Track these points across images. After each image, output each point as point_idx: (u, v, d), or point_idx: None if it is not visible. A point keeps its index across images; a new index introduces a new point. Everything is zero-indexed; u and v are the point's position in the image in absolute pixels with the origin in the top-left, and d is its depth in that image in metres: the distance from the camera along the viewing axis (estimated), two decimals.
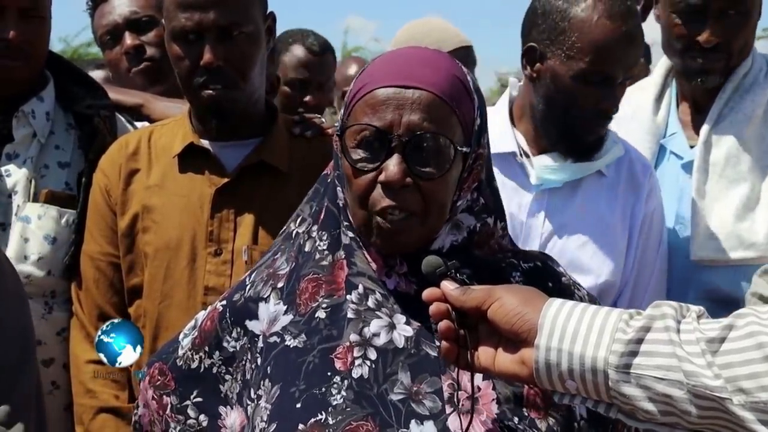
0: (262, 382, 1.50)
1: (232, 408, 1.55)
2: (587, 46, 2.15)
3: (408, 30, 3.44)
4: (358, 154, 1.44)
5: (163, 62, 2.75)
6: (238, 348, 1.56)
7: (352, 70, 4.09)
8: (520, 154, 2.29)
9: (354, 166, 1.44)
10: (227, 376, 1.56)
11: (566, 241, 2.26)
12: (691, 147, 2.47)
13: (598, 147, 2.27)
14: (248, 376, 1.53)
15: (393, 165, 1.41)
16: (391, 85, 1.43)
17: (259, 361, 1.52)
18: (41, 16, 2.31)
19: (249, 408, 1.51)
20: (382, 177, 1.41)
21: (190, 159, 2.20)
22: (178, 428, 1.59)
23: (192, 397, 1.59)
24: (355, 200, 1.46)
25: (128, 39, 2.88)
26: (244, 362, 1.55)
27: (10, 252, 2.21)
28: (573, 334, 1.24)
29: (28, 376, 1.72)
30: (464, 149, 1.45)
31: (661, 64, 2.58)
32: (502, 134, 2.29)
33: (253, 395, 1.51)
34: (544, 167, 2.27)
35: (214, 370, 1.58)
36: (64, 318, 2.28)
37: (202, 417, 1.58)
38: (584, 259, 2.24)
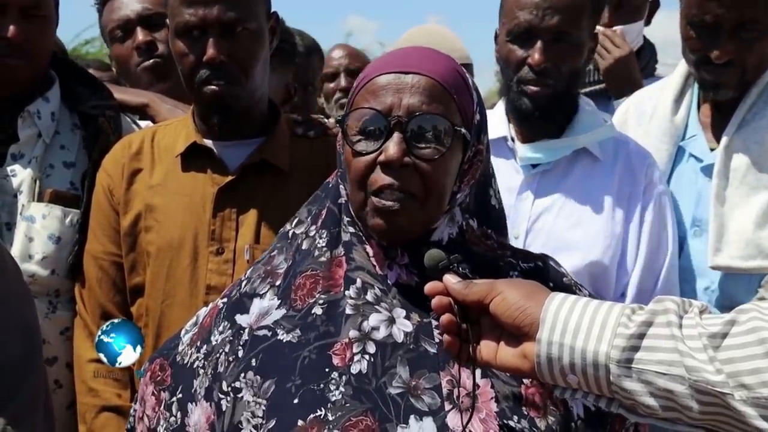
0: (242, 374, 1.48)
1: (196, 404, 1.53)
2: (512, 3, 2.25)
3: (410, 36, 3.44)
4: (358, 138, 1.46)
5: (171, 60, 2.77)
6: (218, 341, 1.56)
7: (333, 53, 4.13)
8: (511, 139, 2.33)
9: (354, 148, 1.45)
10: (201, 371, 1.55)
11: (555, 221, 2.26)
12: (712, 150, 2.44)
13: (549, 115, 2.28)
14: (220, 369, 1.52)
15: (393, 144, 1.42)
16: (391, 71, 1.46)
17: (240, 353, 1.51)
18: (44, 15, 2.33)
19: (224, 402, 1.48)
20: (381, 157, 1.43)
21: (193, 158, 2.21)
22: (164, 425, 1.58)
23: (178, 393, 1.58)
24: (353, 183, 1.46)
25: (140, 34, 2.89)
26: (218, 355, 1.54)
27: (15, 251, 2.22)
28: (575, 328, 1.24)
29: (33, 376, 1.71)
30: (463, 131, 1.46)
31: (681, 64, 2.55)
32: (498, 123, 2.34)
33: (225, 388, 1.49)
34: (526, 147, 2.29)
35: (195, 364, 1.57)
36: (67, 317, 2.29)
37: (178, 414, 1.57)
38: (572, 238, 2.23)
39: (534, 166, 2.34)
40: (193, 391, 1.55)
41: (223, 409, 1.48)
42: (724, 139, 2.39)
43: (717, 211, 2.35)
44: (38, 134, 2.35)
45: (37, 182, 2.30)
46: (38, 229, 2.27)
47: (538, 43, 2.22)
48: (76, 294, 2.28)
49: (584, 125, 2.33)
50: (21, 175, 2.30)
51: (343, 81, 3.99)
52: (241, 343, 1.52)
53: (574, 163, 2.33)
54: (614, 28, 3.21)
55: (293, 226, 1.62)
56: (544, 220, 2.26)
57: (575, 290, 1.58)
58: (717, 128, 2.45)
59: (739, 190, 2.35)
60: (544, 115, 2.27)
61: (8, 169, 2.30)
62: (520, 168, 2.32)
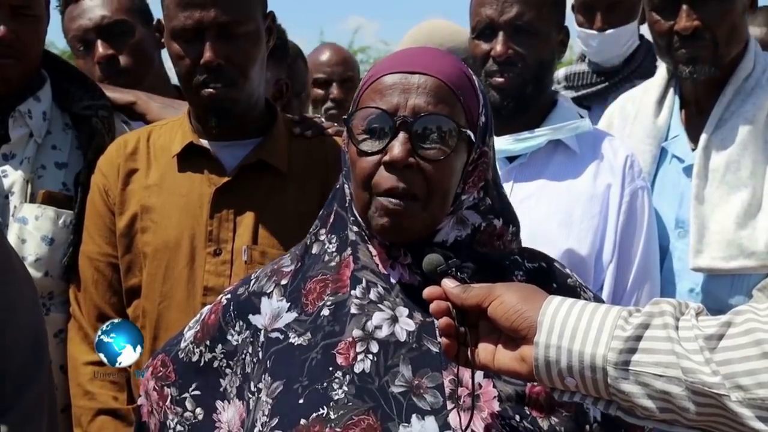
0: (263, 376, 1.50)
1: (230, 402, 1.55)
2: (475, 1, 2.33)
3: (414, 33, 3.41)
4: (364, 137, 1.46)
5: (137, 70, 2.76)
6: (240, 341, 1.57)
7: (324, 56, 4.03)
8: None
9: (359, 147, 1.46)
10: (228, 370, 1.57)
11: (532, 212, 2.27)
12: (694, 150, 2.43)
13: (520, 107, 2.31)
14: (248, 370, 1.54)
15: (398, 145, 1.42)
16: (398, 71, 1.47)
17: (260, 355, 1.53)
18: (35, 14, 2.31)
19: (251, 401, 1.51)
20: (386, 157, 1.43)
21: (190, 159, 2.20)
22: (176, 420, 1.59)
23: (191, 389, 1.59)
24: (358, 183, 1.47)
25: (100, 48, 2.82)
26: (244, 356, 1.55)
27: None
28: (572, 331, 1.25)
29: (38, 384, 1.72)
30: (468, 132, 1.47)
31: (662, 66, 2.56)
32: None
33: (253, 388, 1.52)
34: (499, 140, 2.30)
35: (215, 364, 1.58)
36: (61, 319, 2.28)
37: (198, 410, 1.58)
38: (549, 228, 2.25)
39: (512, 160, 2.35)
40: (222, 389, 1.57)
41: (251, 407, 1.51)
42: (702, 139, 2.38)
43: (697, 212, 2.35)
44: (30, 134, 2.34)
45: (29, 183, 2.29)
46: (31, 231, 2.26)
47: (500, 35, 2.27)
48: (70, 296, 2.27)
49: (559, 119, 2.35)
50: (12, 176, 2.29)
51: (335, 91, 3.91)
52: (260, 344, 1.54)
53: (552, 156, 2.35)
54: (607, 32, 3.20)
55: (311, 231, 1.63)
56: (521, 210, 2.27)
57: (579, 291, 1.58)
58: (697, 128, 2.44)
59: (719, 189, 2.34)
60: (515, 107, 2.30)
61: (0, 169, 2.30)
62: (496, 162, 2.33)
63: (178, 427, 1.59)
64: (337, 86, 3.92)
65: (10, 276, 1.72)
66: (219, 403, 1.57)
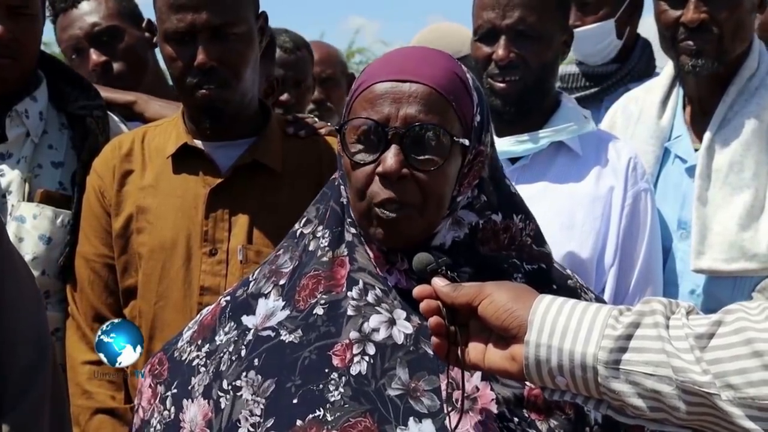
0: (244, 374, 1.49)
1: (193, 401, 1.54)
2: (477, 3, 2.33)
3: (421, 37, 3.39)
4: (356, 147, 1.46)
5: (132, 74, 2.77)
6: (223, 341, 1.56)
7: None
8: None
9: (352, 159, 1.45)
10: (202, 369, 1.56)
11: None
12: (696, 150, 2.42)
13: (523, 110, 2.31)
14: (222, 368, 1.52)
15: (390, 156, 1.42)
16: (389, 79, 1.45)
17: (243, 352, 1.52)
18: (31, 14, 2.32)
19: (222, 400, 1.49)
20: (379, 169, 1.43)
21: (184, 159, 2.21)
22: (158, 418, 1.58)
23: (173, 387, 1.59)
24: (354, 193, 1.47)
25: (93, 56, 2.84)
26: (222, 354, 1.54)
27: None
28: (562, 330, 1.25)
29: (43, 378, 1.72)
30: (462, 140, 1.46)
31: (668, 66, 2.55)
32: None
33: (226, 386, 1.50)
34: (500, 141, 2.31)
35: (195, 362, 1.58)
36: (58, 318, 2.29)
37: (172, 408, 1.57)
38: (550, 230, 2.21)
39: (514, 162, 2.35)
40: (190, 387, 1.55)
41: (222, 406, 1.49)
42: (705, 139, 2.37)
43: (699, 213, 2.33)
44: (26, 134, 2.35)
45: (27, 182, 2.30)
46: (29, 230, 2.27)
47: (502, 39, 2.27)
48: (68, 296, 2.28)
49: (562, 120, 2.34)
50: (9, 175, 2.30)
51: (315, 92, 3.87)
52: (245, 343, 1.53)
53: (554, 158, 2.34)
54: (584, 27, 3.17)
55: (302, 225, 1.62)
56: None
57: (580, 293, 1.57)
58: (700, 128, 2.43)
59: (722, 190, 2.33)
60: (518, 111, 2.30)
61: None
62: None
63: (158, 426, 1.58)
64: (316, 87, 3.88)
65: (12, 275, 1.73)
66: (185, 402, 1.55)
